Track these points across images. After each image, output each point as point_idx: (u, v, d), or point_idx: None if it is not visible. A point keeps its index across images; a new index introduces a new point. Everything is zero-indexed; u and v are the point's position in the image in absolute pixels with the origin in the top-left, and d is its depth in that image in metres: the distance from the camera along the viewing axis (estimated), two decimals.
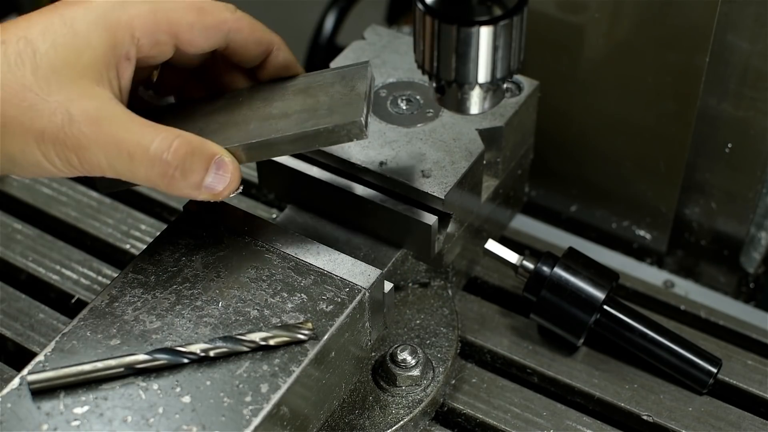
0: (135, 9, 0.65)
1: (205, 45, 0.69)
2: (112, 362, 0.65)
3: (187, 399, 0.65)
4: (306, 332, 0.68)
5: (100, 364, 0.65)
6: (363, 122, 0.68)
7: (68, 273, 0.91)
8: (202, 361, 0.67)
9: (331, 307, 0.70)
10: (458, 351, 0.83)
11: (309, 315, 0.69)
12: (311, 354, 0.67)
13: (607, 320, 0.83)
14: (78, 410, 0.64)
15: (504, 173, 0.89)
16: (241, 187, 0.68)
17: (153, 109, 0.75)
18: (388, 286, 0.75)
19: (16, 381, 0.65)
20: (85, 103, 0.62)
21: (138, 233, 0.94)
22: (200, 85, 0.76)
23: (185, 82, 0.76)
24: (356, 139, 0.68)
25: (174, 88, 0.76)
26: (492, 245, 0.85)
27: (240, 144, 0.68)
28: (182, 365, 0.66)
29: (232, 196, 0.67)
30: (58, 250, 0.93)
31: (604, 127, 0.95)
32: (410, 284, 0.86)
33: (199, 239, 0.74)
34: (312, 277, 0.72)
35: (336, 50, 1.10)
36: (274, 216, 0.93)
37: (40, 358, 0.67)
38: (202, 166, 0.65)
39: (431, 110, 0.85)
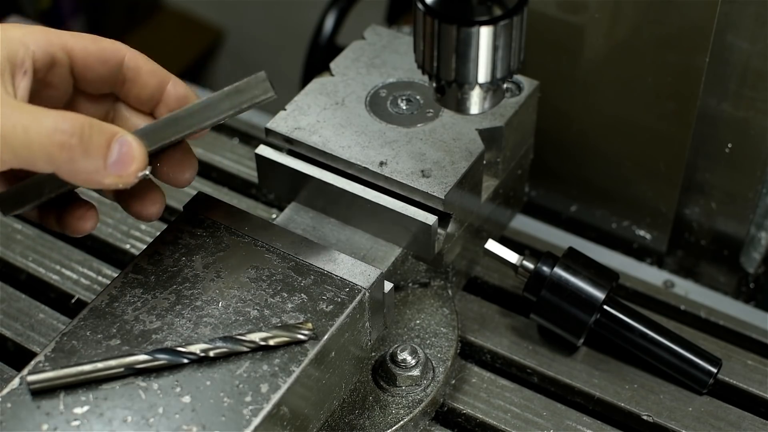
0: (28, 28, 0.66)
1: (102, 70, 0.69)
2: (112, 362, 0.65)
3: (187, 399, 0.65)
4: (306, 332, 0.68)
5: (100, 364, 0.65)
6: (266, 78, 0.66)
7: (68, 273, 0.91)
8: (202, 361, 0.67)
9: (331, 307, 0.70)
10: (458, 351, 0.83)
11: (309, 315, 0.70)
12: (311, 354, 0.67)
13: (607, 320, 0.83)
14: (78, 410, 0.64)
15: (504, 173, 0.89)
16: (149, 170, 0.65)
17: None
18: (388, 286, 0.75)
19: (16, 381, 0.65)
20: None
21: (138, 233, 0.94)
22: None
23: None
24: (264, 97, 0.67)
25: None
26: (492, 245, 0.85)
27: (143, 128, 0.67)
28: (182, 365, 0.66)
29: (140, 176, 0.64)
30: (58, 250, 0.93)
31: (604, 127, 0.95)
32: (410, 284, 0.86)
33: (199, 239, 0.75)
34: (312, 277, 0.72)
35: (336, 50, 1.10)
36: (274, 216, 0.93)
37: (40, 358, 0.67)
38: (103, 141, 0.62)
39: (431, 110, 0.85)
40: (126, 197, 0.71)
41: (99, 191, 0.75)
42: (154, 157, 0.69)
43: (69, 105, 0.71)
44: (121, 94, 0.72)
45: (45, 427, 0.63)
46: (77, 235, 0.72)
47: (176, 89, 0.72)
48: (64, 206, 0.71)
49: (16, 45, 0.65)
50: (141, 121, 0.73)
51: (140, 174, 0.64)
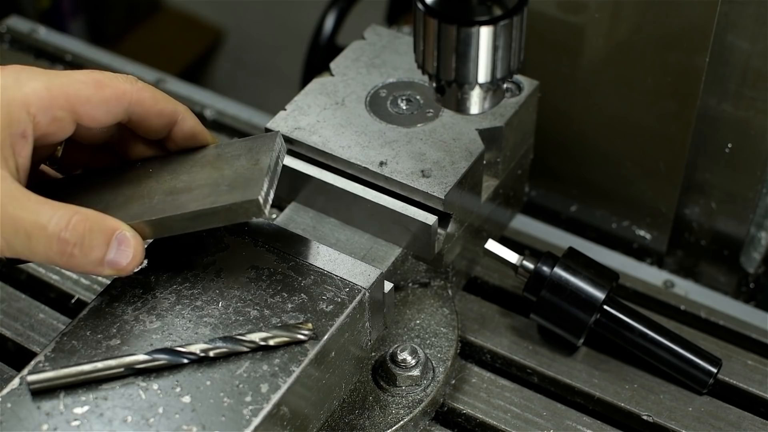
0: (30, 86, 0.64)
1: (106, 119, 0.67)
2: (112, 362, 0.65)
3: (187, 399, 0.65)
4: (306, 332, 0.68)
5: (100, 364, 0.65)
6: (261, 201, 0.66)
7: (68, 273, 0.91)
8: (202, 361, 0.67)
9: (331, 307, 0.70)
10: (458, 351, 0.83)
11: (309, 315, 0.70)
12: (311, 354, 0.67)
13: (607, 320, 0.83)
14: (78, 410, 0.64)
15: (504, 173, 0.89)
16: (145, 262, 0.67)
17: (57, 180, 0.74)
18: (388, 286, 0.75)
19: (16, 381, 0.65)
20: None
21: None
22: (107, 158, 0.75)
23: (91, 157, 0.74)
24: (255, 218, 0.67)
25: (80, 163, 0.75)
26: (492, 245, 0.85)
27: (141, 220, 0.67)
28: (182, 365, 0.66)
29: (136, 270, 0.67)
30: None
31: (604, 127, 0.95)
32: (410, 284, 0.86)
33: (199, 239, 0.74)
34: (312, 277, 0.72)
35: (336, 50, 1.10)
36: (274, 216, 0.93)
37: (40, 358, 0.67)
38: (102, 242, 0.64)
39: (431, 110, 0.85)
40: None
41: None
42: None
43: (71, 139, 0.70)
44: (128, 126, 0.71)
45: (45, 427, 0.63)
46: None
47: (183, 128, 0.72)
48: None
49: (18, 111, 0.63)
50: (146, 150, 0.73)
51: (138, 267, 0.67)
